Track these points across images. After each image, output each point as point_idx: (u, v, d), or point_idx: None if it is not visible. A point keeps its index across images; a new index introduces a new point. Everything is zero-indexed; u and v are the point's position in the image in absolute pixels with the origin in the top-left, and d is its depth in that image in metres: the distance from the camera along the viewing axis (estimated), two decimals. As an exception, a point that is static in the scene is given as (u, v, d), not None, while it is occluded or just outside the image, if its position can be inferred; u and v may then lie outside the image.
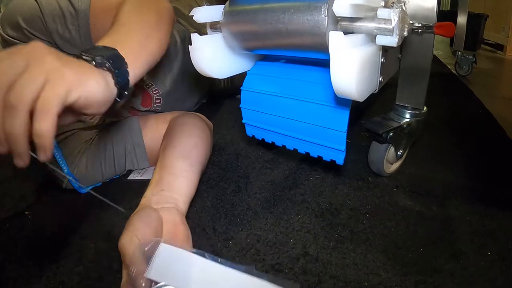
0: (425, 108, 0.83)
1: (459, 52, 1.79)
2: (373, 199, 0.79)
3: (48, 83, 0.39)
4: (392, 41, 0.49)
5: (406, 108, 0.82)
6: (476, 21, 2.34)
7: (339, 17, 0.50)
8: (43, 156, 0.41)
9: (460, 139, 1.10)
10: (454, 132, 1.16)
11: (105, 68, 0.48)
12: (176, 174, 0.71)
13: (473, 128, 1.20)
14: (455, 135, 1.13)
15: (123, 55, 0.51)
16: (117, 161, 0.90)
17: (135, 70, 0.54)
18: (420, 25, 0.70)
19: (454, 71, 1.90)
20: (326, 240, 0.68)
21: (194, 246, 0.60)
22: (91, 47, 0.50)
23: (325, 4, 0.51)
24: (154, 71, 0.99)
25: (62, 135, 0.88)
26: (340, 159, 0.66)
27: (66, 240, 0.72)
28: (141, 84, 0.97)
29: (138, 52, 0.57)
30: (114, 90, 0.49)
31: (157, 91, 1.00)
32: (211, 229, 0.72)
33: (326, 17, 0.51)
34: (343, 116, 0.61)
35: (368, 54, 0.51)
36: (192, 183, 0.72)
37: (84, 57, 0.47)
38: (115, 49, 0.51)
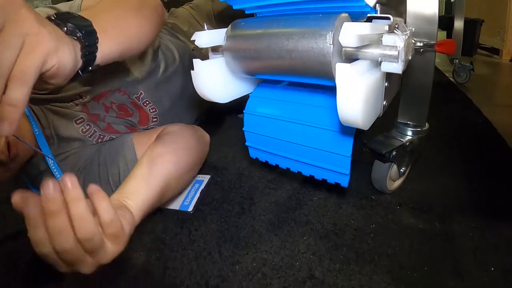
0: (427, 124, 0.83)
1: (457, 60, 1.80)
2: (377, 218, 0.79)
3: (26, 48, 0.37)
4: (397, 68, 0.49)
5: (408, 125, 0.82)
6: (471, 26, 2.35)
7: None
8: (8, 128, 0.38)
9: (461, 150, 1.10)
10: (454, 143, 1.16)
11: (75, 38, 0.46)
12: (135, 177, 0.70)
13: (473, 138, 1.20)
14: (455, 146, 1.13)
15: (96, 30, 0.50)
16: (112, 179, 0.88)
17: (105, 48, 0.52)
18: (422, 44, 0.70)
19: (452, 79, 1.90)
20: (331, 262, 0.68)
21: (199, 271, 0.60)
22: (65, 12, 0.49)
23: (330, 32, 0.51)
24: (154, 90, 0.99)
25: (63, 154, 0.88)
26: (344, 182, 0.66)
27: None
28: (138, 103, 0.96)
29: (112, 30, 0.55)
30: (79, 62, 0.47)
31: (154, 110, 0.99)
32: (217, 253, 0.72)
33: (332, 46, 0.51)
34: (348, 141, 0.61)
35: (373, 82, 0.51)
36: (149, 187, 0.70)
37: (56, 21, 0.45)
38: (89, 21, 0.50)
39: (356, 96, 0.45)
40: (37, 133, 0.81)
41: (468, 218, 0.78)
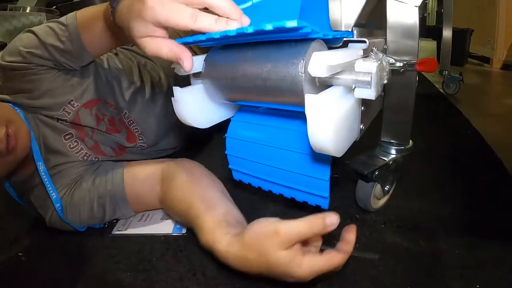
0: (410, 142, 0.83)
1: (446, 72, 1.81)
2: (362, 238, 0.79)
3: None
4: (370, 94, 0.49)
5: (391, 144, 0.82)
6: (461, 36, 2.37)
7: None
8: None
9: (448, 165, 1.11)
10: (442, 157, 1.16)
11: None
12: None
13: (461, 152, 1.20)
14: (443, 160, 1.14)
15: None
16: (96, 206, 0.88)
17: None
18: (402, 64, 0.70)
19: (441, 90, 1.91)
20: (311, 285, 0.67)
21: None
22: None
23: (302, 60, 0.51)
24: (138, 111, 1.00)
25: (54, 169, 0.89)
26: (324, 205, 0.66)
27: (60, 285, 0.75)
28: (124, 121, 0.98)
29: None
30: None
31: (137, 130, 1.01)
32: (201, 274, 0.73)
33: (303, 74, 0.51)
34: (326, 165, 0.61)
35: (346, 109, 0.51)
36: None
37: None
38: None
39: (325, 126, 0.45)
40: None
41: (454, 235, 0.78)
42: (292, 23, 0.40)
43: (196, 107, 0.67)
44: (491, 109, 1.77)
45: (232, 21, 0.47)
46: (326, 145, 0.47)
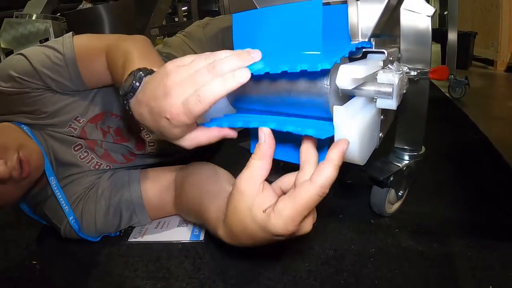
0: (423, 148, 0.85)
1: (452, 76, 1.82)
2: (377, 242, 0.80)
3: None
4: (392, 104, 0.50)
5: (404, 150, 0.84)
6: (465, 39, 2.39)
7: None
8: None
9: (457, 169, 1.12)
10: (451, 161, 1.18)
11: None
12: None
13: (469, 156, 1.21)
14: (452, 164, 1.15)
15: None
16: (112, 212, 0.89)
17: None
18: (415, 73, 0.72)
19: (447, 94, 1.92)
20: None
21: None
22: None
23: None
24: None
25: (62, 181, 0.89)
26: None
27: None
28: (135, 128, 0.98)
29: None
30: None
31: (148, 135, 1.00)
32: (222, 281, 0.74)
33: (329, 86, 0.52)
34: None
35: (369, 118, 0.53)
36: None
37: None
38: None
39: (353, 136, 0.46)
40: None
41: (465, 238, 0.79)
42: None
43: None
44: (497, 112, 1.78)
45: (240, 70, 0.45)
46: (352, 154, 0.48)
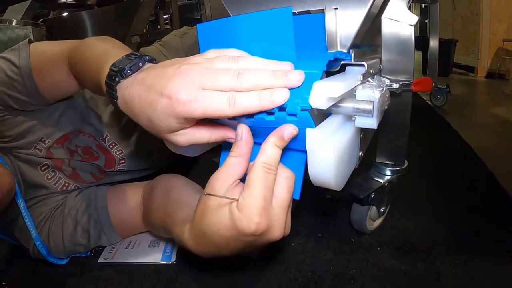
0: (405, 162, 0.82)
1: (433, 84, 1.81)
2: (358, 262, 0.76)
3: None
4: (372, 123, 0.46)
5: (386, 165, 0.81)
6: (446, 47, 2.40)
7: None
8: None
9: (441, 179, 1.10)
10: (434, 172, 1.16)
11: None
12: None
13: (453, 167, 1.20)
14: (435, 175, 1.13)
15: None
16: (80, 232, 0.84)
17: None
18: (398, 86, 0.69)
19: (429, 102, 1.91)
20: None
21: None
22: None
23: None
24: (120, 131, 0.96)
25: (34, 200, 0.85)
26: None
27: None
28: (104, 146, 0.93)
29: None
30: None
31: (121, 152, 0.96)
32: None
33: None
34: None
35: (348, 139, 0.49)
36: None
37: None
38: None
39: (327, 162, 0.42)
40: None
41: (450, 254, 0.77)
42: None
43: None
44: (479, 120, 1.78)
45: (278, 90, 0.40)
46: (328, 181, 0.44)
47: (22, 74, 0.71)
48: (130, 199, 0.87)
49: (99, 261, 0.86)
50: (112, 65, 0.48)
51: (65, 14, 3.21)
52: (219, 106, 0.39)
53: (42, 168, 0.85)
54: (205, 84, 0.39)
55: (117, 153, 0.96)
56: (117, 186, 0.93)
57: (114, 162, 0.96)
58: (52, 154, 0.85)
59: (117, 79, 0.46)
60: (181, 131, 0.44)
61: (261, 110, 0.40)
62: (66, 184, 0.88)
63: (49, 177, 0.86)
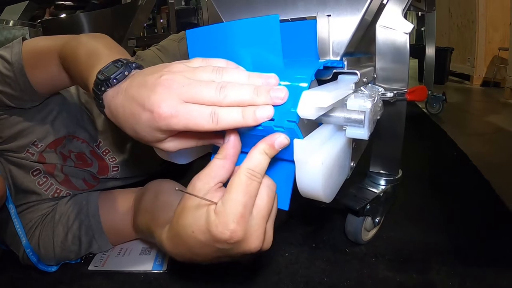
0: (400, 172, 0.81)
1: (429, 91, 1.81)
2: (352, 273, 0.75)
3: None
4: (363, 134, 0.45)
5: (381, 175, 0.79)
6: (442, 55, 2.40)
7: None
8: None
9: (436, 188, 1.09)
10: (429, 181, 1.15)
11: None
12: None
13: (448, 174, 1.19)
14: (430, 184, 1.13)
15: None
16: (71, 238, 0.83)
17: None
18: (392, 95, 0.68)
19: (425, 110, 1.91)
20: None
21: None
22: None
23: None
24: (114, 138, 0.95)
25: (24, 205, 0.83)
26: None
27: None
28: (98, 152, 0.92)
29: None
30: None
31: (114, 159, 0.95)
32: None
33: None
34: None
35: (338, 150, 0.47)
36: None
37: None
38: None
39: (316, 175, 0.41)
40: None
41: (446, 264, 0.76)
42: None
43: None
44: (475, 128, 1.78)
45: (262, 108, 0.40)
46: (315, 193, 0.43)
47: (14, 70, 0.70)
48: (121, 206, 0.86)
49: (89, 268, 0.84)
50: (99, 72, 0.47)
51: (62, 15, 3.21)
52: (202, 121, 0.38)
53: (34, 173, 0.84)
54: (186, 96, 0.39)
55: (110, 160, 0.95)
56: (108, 192, 0.91)
57: (107, 169, 0.95)
58: (45, 158, 0.84)
59: (102, 88, 0.45)
60: (168, 139, 0.43)
61: (245, 126, 0.39)
62: (58, 191, 0.87)
63: (40, 183, 0.84)
